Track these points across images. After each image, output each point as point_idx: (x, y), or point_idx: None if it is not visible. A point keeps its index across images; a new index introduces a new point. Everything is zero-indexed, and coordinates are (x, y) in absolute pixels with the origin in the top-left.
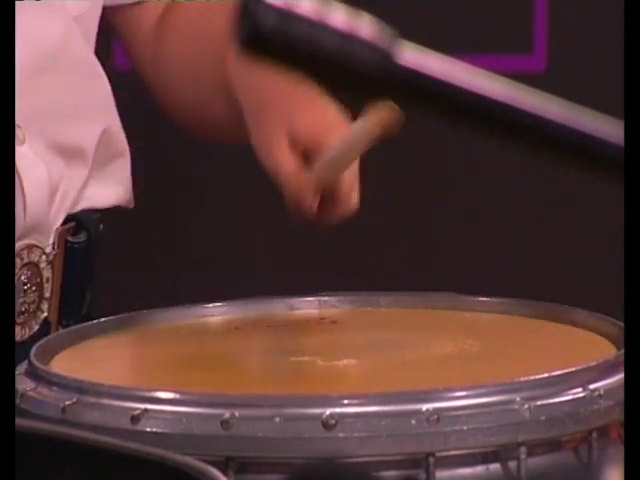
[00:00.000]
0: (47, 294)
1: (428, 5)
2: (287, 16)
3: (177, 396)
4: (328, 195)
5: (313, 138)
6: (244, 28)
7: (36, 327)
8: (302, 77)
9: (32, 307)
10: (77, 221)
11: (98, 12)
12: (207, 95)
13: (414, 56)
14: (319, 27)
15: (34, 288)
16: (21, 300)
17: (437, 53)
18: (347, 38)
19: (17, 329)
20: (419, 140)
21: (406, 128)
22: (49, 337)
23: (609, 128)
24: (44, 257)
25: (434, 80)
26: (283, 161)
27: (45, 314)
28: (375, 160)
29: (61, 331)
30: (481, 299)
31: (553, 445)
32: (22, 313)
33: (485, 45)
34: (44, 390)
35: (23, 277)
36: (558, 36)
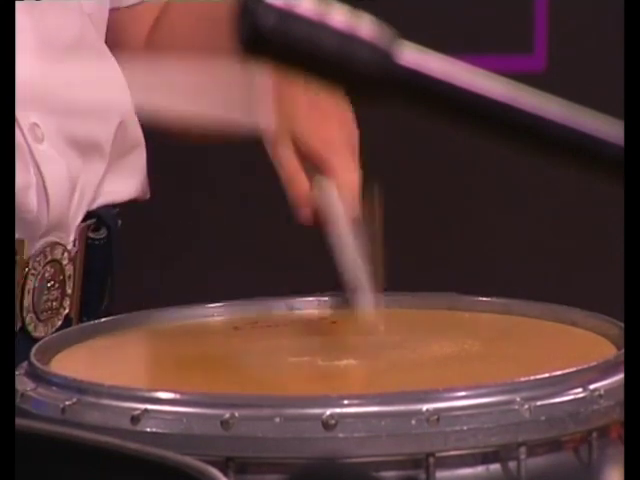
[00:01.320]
0: (69, 291)
1: (428, 5)
2: (287, 16)
3: (177, 396)
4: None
5: (314, 153)
6: (244, 28)
7: (59, 324)
8: (302, 77)
9: (55, 304)
10: (97, 217)
11: (107, 10)
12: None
13: (414, 56)
14: (319, 27)
15: (57, 285)
16: (45, 298)
17: (437, 53)
18: (347, 38)
19: (40, 327)
20: (418, 140)
21: (406, 128)
22: (49, 337)
23: (609, 128)
24: (66, 254)
25: (434, 80)
26: (285, 161)
27: (67, 311)
28: (375, 160)
29: (61, 331)
30: (481, 299)
31: (553, 445)
32: (46, 310)
33: (485, 45)
34: (44, 390)
35: (47, 274)
36: (558, 36)
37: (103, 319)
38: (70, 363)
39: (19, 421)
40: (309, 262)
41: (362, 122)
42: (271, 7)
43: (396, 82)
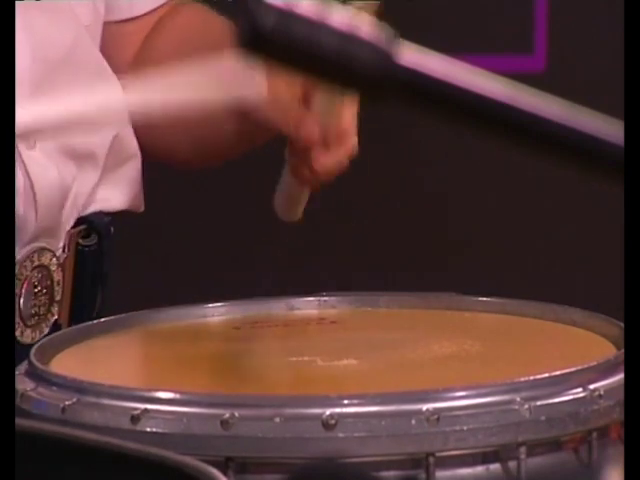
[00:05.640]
0: (58, 297)
1: (428, 5)
2: (287, 16)
3: (177, 396)
4: (327, 139)
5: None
6: (244, 28)
7: (46, 330)
8: (302, 77)
9: (43, 310)
10: (88, 224)
11: (102, 21)
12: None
13: (414, 56)
14: (319, 27)
15: (45, 291)
16: (32, 303)
17: (437, 53)
18: (347, 38)
19: (28, 332)
20: (419, 140)
21: (407, 128)
22: (49, 337)
23: (609, 128)
24: (55, 260)
25: (434, 80)
26: (281, 95)
27: (55, 317)
28: (376, 160)
29: (61, 331)
30: (481, 299)
31: (553, 445)
32: (33, 316)
33: (485, 45)
34: (44, 390)
35: (34, 280)
36: (558, 36)
37: (103, 319)
38: (70, 363)
39: (19, 421)
40: (309, 262)
41: (365, 127)
42: (271, 7)
43: (396, 82)
